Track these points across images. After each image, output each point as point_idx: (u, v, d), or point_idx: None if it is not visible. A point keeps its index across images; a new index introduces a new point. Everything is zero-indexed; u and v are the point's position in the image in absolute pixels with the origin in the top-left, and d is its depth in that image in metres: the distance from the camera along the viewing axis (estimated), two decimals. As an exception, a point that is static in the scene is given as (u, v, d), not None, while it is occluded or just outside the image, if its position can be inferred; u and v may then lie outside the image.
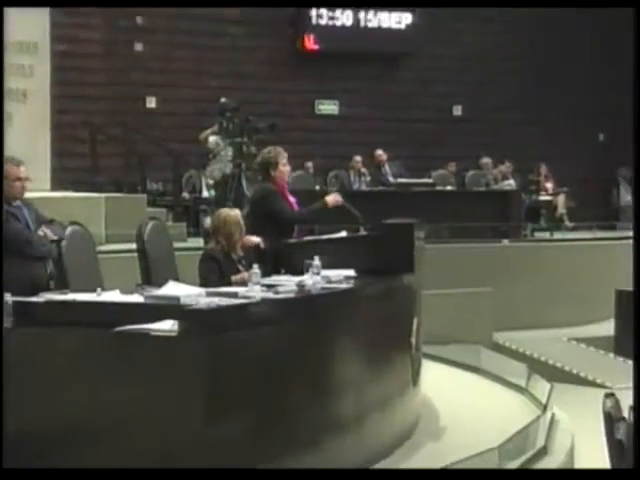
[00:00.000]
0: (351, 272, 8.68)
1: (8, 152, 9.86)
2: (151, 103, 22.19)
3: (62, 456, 6.87)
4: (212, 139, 17.10)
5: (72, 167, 19.06)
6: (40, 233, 8.89)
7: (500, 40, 24.48)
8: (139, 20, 22.03)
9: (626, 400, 10.06)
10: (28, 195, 9.39)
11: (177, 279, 8.48)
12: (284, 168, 10.58)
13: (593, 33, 25.19)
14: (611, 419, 9.57)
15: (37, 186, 14.67)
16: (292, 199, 10.52)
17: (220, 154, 16.69)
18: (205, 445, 6.82)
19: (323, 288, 8.23)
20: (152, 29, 22.17)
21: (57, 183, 17.16)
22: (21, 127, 16.33)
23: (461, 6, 22.92)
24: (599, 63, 25.39)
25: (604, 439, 9.55)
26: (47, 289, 8.08)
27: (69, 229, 9.11)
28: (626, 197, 25.23)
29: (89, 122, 20.21)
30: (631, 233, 22.21)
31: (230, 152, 16.23)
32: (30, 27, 16.67)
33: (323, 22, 23.53)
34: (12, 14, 15.83)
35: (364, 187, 20.91)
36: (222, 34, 22.73)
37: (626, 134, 25.86)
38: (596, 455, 9.77)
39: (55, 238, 8.90)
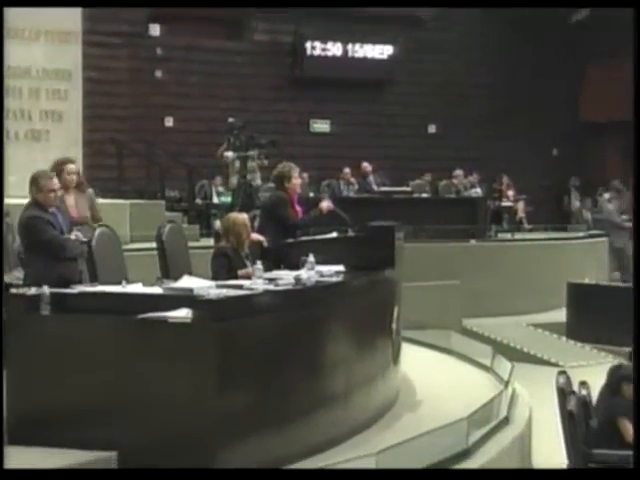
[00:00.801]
0: (341, 267, 8.69)
1: (45, 166, 9.86)
2: (169, 122, 22.20)
3: (93, 426, 6.90)
4: (228, 154, 17.15)
5: (101, 177, 19.00)
6: (72, 236, 8.90)
7: (468, 70, 24.53)
8: (159, 51, 22.05)
9: (576, 377, 10.14)
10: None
11: (191, 273, 8.48)
12: (296, 181, 10.56)
13: (548, 68, 25.18)
14: (563, 393, 9.63)
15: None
16: (299, 208, 10.50)
17: (234, 166, 16.73)
18: (216, 415, 6.85)
19: (317, 281, 8.24)
20: (170, 59, 22.18)
21: (88, 191, 17.16)
22: (57, 143, 16.35)
23: (461, 6, 22.77)
24: (554, 92, 25.40)
25: (557, 410, 9.62)
26: (79, 283, 8.08)
27: (98, 230, 9.11)
28: (575, 203, 25.26)
29: (116, 139, 20.23)
30: (580, 234, 22.35)
31: (237, 164, 16.27)
32: (65, 57, 16.67)
33: (317, 53, 23.57)
34: (50, 46, 15.90)
35: (352, 194, 20.91)
36: (230, 63, 22.77)
37: (576, 149, 26.01)
38: (550, 424, 9.84)
39: (85, 240, 8.89)
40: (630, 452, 9.23)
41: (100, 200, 16.29)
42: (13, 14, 15.33)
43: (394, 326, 9.56)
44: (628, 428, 9.33)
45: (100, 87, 19.70)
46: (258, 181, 16.93)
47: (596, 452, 9.31)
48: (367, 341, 8.89)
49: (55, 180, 8.90)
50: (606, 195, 23.41)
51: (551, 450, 9.90)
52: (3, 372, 6.72)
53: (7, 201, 10.81)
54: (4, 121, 15.25)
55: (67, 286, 7.50)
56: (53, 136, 16.51)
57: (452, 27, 24.44)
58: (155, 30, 22.07)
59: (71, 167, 10.02)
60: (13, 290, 7.65)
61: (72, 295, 7.35)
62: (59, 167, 9.85)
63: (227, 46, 22.99)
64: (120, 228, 10.98)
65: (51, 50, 16.32)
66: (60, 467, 6.60)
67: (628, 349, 10.85)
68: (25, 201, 8.97)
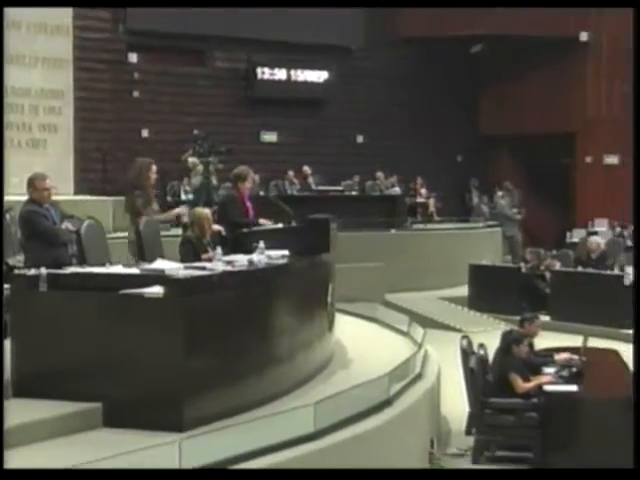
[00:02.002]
0: (286, 252, 8.66)
1: (42, 169, 9.76)
2: (145, 134, 22.02)
3: (82, 382, 6.86)
4: (190, 160, 17.13)
5: (89, 179, 18.91)
6: (63, 226, 8.84)
7: (388, 91, 24.52)
8: (136, 75, 21.94)
9: (476, 340, 10.21)
10: (57, 199, 9.33)
11: (163, 257, 8.43)
12: (248, 184, 10.49)
13: (453, 90, 25.28)
14: (466, 353, 9.70)
15: (64, 192, 14.66)
16: (249, 204, 10.42)
17: (196, 170, 16.69)
18: (184, 373, 6.84)
19: (266, 263, 8.24)
20: (145, 81, 22.05)
21: (79, 190, 17.03)
22: (53, 151, 16.25)
23: (460, 6, 22.75)
24: (457, 109, 25.51)
25: (461, 367, 9.68)
26: (70, 265, 8.03)
27: (86, 222, 9.02)
28: (475, 200, 25.37)
29: (101, 147, 20.04)
30: (479, 224, 22.47)
31: (201, 168, 16.24)
32: (59, 80, 16.56)
33: (266, 77, 23.50)
34: (46, 71, 15.81)
35: (295, 193, 20.87)
36: (194, 85, 22.65)
37: (475, 156, 26.14)
38: (455, 379, 9.89)
39: (74, 229, 8.82)
40: (519, 400, 9.33)
41: (88, 197, 16.29)
42: (15, 42, 15.24)
43: (329, 300, 9.56)
44: (517, 381, 9.40)
45: (88, 104, 19.47)
46: (215, 182, 16.95)
47: (491, 400, 9.38)
48: (307, 312, 8.89)
49: (48, 181, 8.83)
50: (499, 193, 23.59)
51: (456, 399, 9.97)
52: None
53: (11, 198, 10.74)
54: (6, 132, 15.09)
55: (60, 267, 7.47)
56: (49, 145, 16.39)
57: (376, 57, 24.44)
58: (133, 58, 21.97)
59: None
60: (16, 271, 7.60)
61: (65, 275, 7.32)
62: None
63: (192, 71, 22.92)
64: (104, 220, 10.90)
65: (47, 74, 16.19)
66: (54, 416, 6.58)
67: (517, 317, 10.94)
68: (25, 198, 8.92)
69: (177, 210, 9.64)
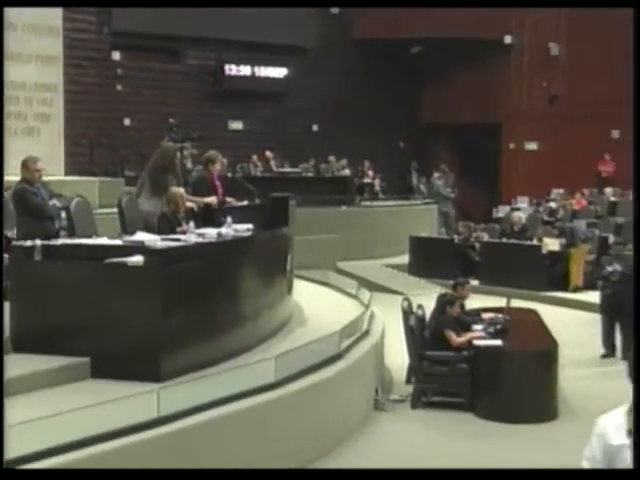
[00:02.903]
0: (250, 226, 8.66)
1: (36, 154, 9.62)
2: (127, 122, 21.89)
3: (72, 339, 6.84)
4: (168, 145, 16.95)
5: (77, 162, 18.69)
6: (51, 203, 8.75)
7: (339, 86, 24.40)
8: (119, 71, 21.81)
9: (415, 302, 10.22)
10: (48, 179, 9.23)
11: (142, 230, 8.39)
12: (218, 166, 10.41)
13: (397, 85, 25.25)
14: (406, 313, 9.72)
15: (56, 173, 14.50)
16: (218, 183, 10.33)
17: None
18: (162, 331, 6.85)
19: (233, 236, 8.24)
20: (127, 76, 21.92)
21: (69, 171, 16.81)
22: (46, 138, 16.05)
23: (460, 6, 22.68)
24: (400, 102, 25.50)
25: (402, 325, 9.72)
26: (57, 237, 7.97)
27: (75, 199, 8.92)
28: (414, 180, 25.42)
29: (88, 134, 19.94)
30: (418, 202, 22.54)
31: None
32: (51, 75, 16.32)
33: (233, 73, 23.46)
34: (40, 67, 15.64)
35: (258, 174, 20.79)
36: (170, 80, 22.53)
37: (415, 143, 26.18)
38: (397, 335, 9.93)
39: (60, 206, 8.73)
40: (451, 353, 9.38)
41: (77, 177, 16.14)
42: (11, 42, 15.05)
43: (288, 267, 9.58)
44: (451, 336, 9.46)
45: (76, 97, 19.22)
46: (190, 164, 16.85)
47: (428, 353, 9.43)
48: (269, 278, 8.91)
49: (39, 163, 8.73)
50: (436, 175, 23.64)
51: (397, 353, 10.00)
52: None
53: (10, 178, 10.58)
54: (5, 121, 14.86)
55: (48, 239, 7.42)
56: (42, 132, 16.16)
57: (329, 55, 24.36)
58: (116, 56, 21.87)
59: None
60: (14, 243, 7.55)
61: (57, 246, 7.30)
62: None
63: (168, 68, 22.79)
64: (91, 198, 10.82)
65: (40, 70, 15.97)
66: (48, 368, 6.56)
67: (451, 282, 10.99)
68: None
69: (208, 199, 9.53)
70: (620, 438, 3.52)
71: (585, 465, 3.65)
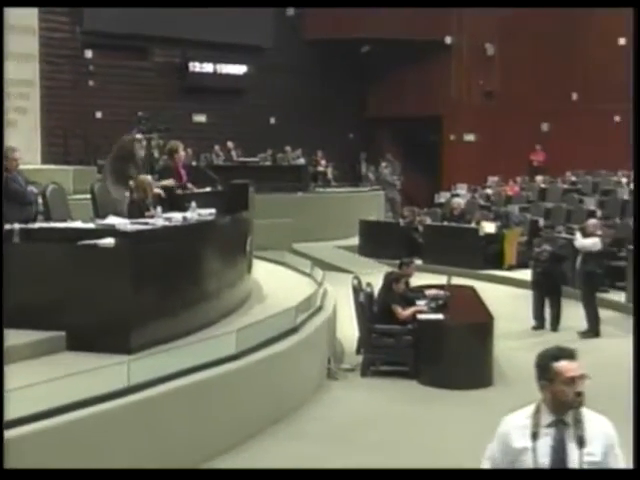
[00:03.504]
0: (213, 210, 8.63)
1: (14, 144, 9.48)
2: (98, 115, 21.69)
3: (50, 315, 6.78)
4: (137, 136, 16.75)
5: (53, 152, 18.48)
6: (28, 189, 8.65)
7: (295, 82, 24.37)
8: (91, 67, 21.61)
9: (364, 279, 10.24)
10: (25, 168, 9.12)
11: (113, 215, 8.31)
12: (182, 153, 10.34)
13: (347, 81, 25.26)
14: (356, 290, 9.75)
15: (33, 161, 14.32)
16: (183, 171, 10.25)
17: (140, 144, 16.36)
18: (132, 307, 6.81)
19: (197, 220, 8.21)
20: (98, 73, 21.70)
21: (44, 160, 16.58)
22: (23, 129, 15.80)
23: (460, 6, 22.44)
24: (350, 97, 25.51)
25: (352, 301, 9.75)
26: (35, 221, 7.89)
27: (51, 186, 8.81)
28: (363, 169, 25.46)
29: (62, 126, 19.75)
30: (367, 189, 22.57)
31: (144, 143, 15.95)
32: (27, 71, 16.08)
33: (197, 70, 23.39)
34: (17, 64, 15.40)
35: (220, 163, 20.69)
36: (139, 76, 22.36)
37: (364, 134, 26.21)
38: (348, 310, 9.95)
39: (36, 191, 8.62)
40: (397, 326, 9.43)
41: (52, 166, 15.94)
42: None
43: (248, 248, 9.55)
44: (398, 310, 9.51)
45: (51, 91, 18.93)
46: (157, 154, 16.73)
47: (376, 326, 9.47)
48: (231, 258, 8.88)
49: (18, 153, 8.62)
50: (383, 164, 23.72)
51: (348, 327, 10.03)
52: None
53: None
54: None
55: (28, 222, 7.35)
56: (20, 124, 15.90)
57: (284, 54, 24.26)
58: (88, 54, 21.62)
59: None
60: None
61: (34, 229, 7.26)
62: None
63: (137, 65, 22.61)
64: (66, 184, 10.71)
65: (18, 66, 15.70)
66: (27, 342, 6.50)
67: (397, 261, 11.02)
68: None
69: (165, 182, 9.45)
70: (523, 441, 3.31)
71: (485, 465, 3.42)
